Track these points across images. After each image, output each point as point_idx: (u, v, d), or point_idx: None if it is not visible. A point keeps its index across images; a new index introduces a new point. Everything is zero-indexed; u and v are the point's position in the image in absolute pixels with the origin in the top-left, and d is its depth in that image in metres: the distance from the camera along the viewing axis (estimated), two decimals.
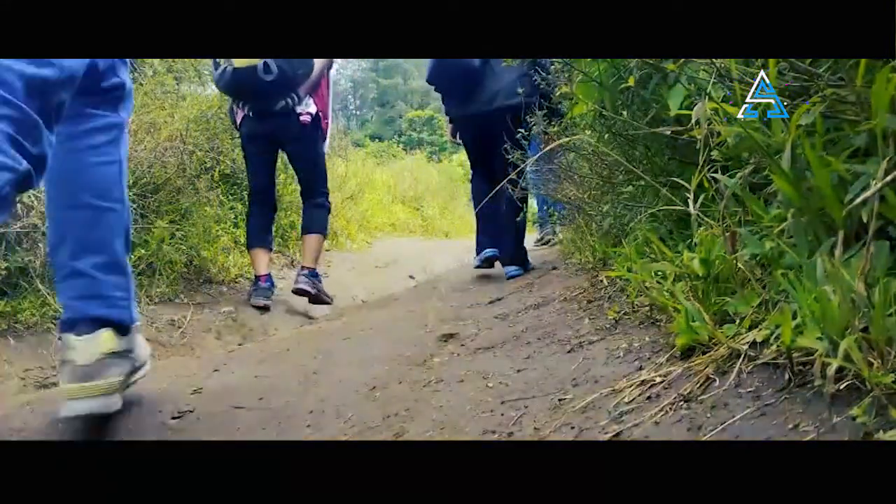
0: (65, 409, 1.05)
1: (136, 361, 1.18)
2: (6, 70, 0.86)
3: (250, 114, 2.65)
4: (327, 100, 2.88)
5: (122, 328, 1.12)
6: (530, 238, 4.21)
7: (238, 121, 2.75)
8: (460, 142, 2.95)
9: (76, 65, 0.98)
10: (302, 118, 2.63)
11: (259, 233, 2.81)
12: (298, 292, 2.80)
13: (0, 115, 0.85)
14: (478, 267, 2.77)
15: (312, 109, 2.70)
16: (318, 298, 2.86)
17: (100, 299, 1.09)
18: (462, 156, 3.37)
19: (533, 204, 4.54)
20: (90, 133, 1.12)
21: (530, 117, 2.03)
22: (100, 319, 1.08)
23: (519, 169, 1.96)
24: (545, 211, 3.67)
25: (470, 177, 3.00)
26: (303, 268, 2.85)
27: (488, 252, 2.74)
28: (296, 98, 2.58)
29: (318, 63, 2.67)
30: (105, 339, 1.07)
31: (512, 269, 2.64)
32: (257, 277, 2.78)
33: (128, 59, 1.23)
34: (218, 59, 2.55)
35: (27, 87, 0.88)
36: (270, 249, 2.89)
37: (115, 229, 1.13)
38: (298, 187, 3.10)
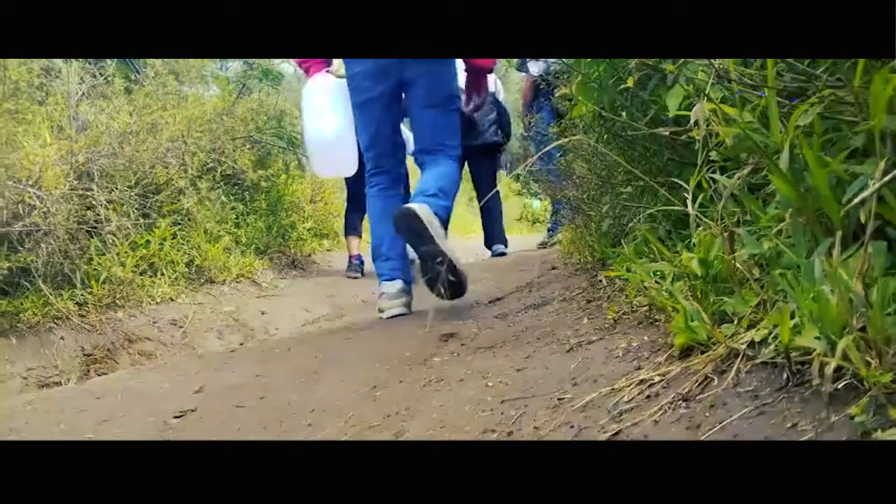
0: (383, 315, 1.94)
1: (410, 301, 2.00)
2: None
3: None
4: None
5: (406, 283, 1.97)
6: (532, 240, 4.24)
7: None
8: None
9: None
10: None
11: (353, 224, 3.85)
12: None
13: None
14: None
15: None
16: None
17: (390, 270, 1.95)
18: None
19: (534, 203, 4.55)
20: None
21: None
22: (395, 277, 1.94)
23: (515, 173, 2.24)
24: (557, 217, 3.70)
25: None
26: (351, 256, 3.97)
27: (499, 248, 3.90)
28: None
29: None
30: (397, 284, 1.94)
31: (500, 247, 3.89)
32: (351, 257, 3.87)
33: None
34: None
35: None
36: (361, 236, 3.91)
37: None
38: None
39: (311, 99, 1.98)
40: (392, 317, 1.91)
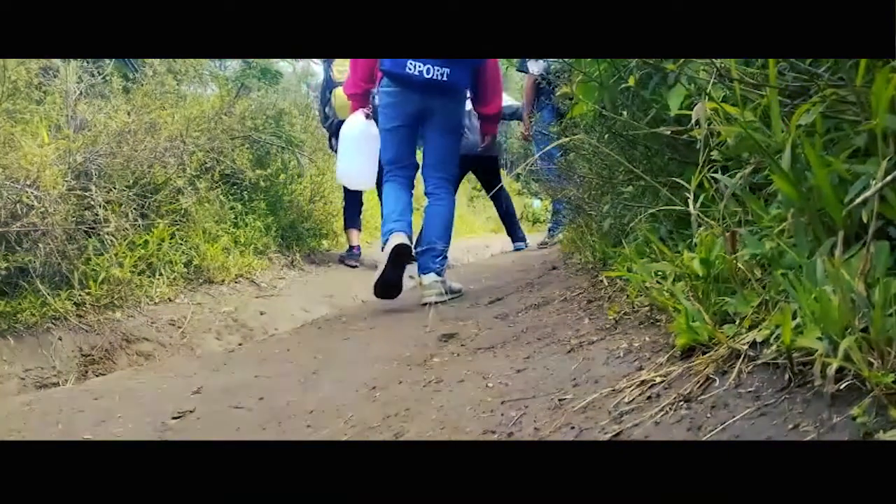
0: (424, 300, 2.23)
1: (451, 288, 2.33)
2: None
3: None
4: None
5: (438, 273, 2.27)
6: (533, 239, 4.28)
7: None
8: None
9: None
10: None
11: (352, 218, 4.11)
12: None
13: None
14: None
15: None
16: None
17: (431, 262, 2.28)
18: None
19: (534, 203, 4.57)
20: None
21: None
22: (430, 268, 2.27)
23: (515, 172, 2.37)
24: (558, 217, 3.71)
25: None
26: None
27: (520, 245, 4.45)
28: None
29: None
30: (432, 276, 2.25)
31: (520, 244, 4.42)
32: (351, 247, 4.10)
33: None
34: (326, 111, 3.84)
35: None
36: (359, 229, 4.21)
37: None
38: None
39: (349, 136, 2.61)
40: (397, 244, 2.17)
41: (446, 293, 2.26)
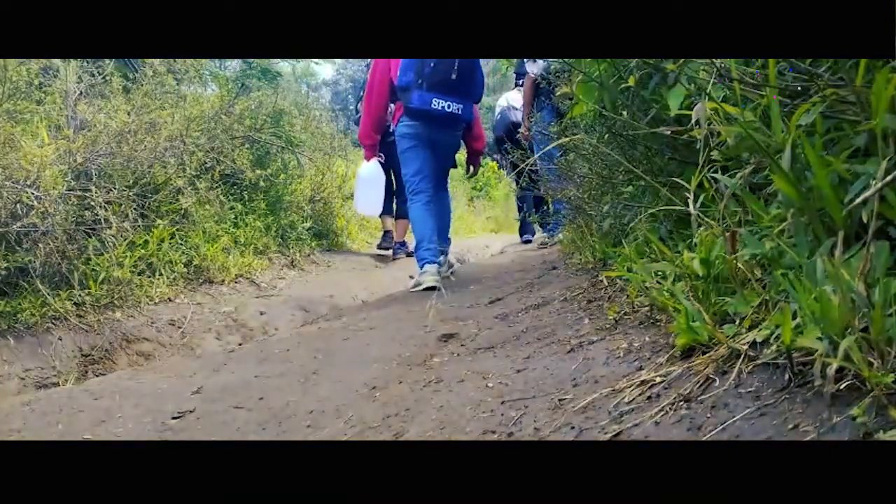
0: (422, 286, 2.64)
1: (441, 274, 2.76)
2: None
3: None
4: None
5: (437, 265, 2.71)
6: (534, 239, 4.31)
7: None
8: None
9: None
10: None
11: (385, 204, 4.32)
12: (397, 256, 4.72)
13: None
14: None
15: None
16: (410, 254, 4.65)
17: (430, 256, 2.73)
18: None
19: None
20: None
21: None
22: (429, 261, 2.71)
23: (515, 172, 2.42)
24: (558, 217, 3.71)
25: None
26: (395, 242, 4.63)
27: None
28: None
29: None
30: (432, 267, 2.68)
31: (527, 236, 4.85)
32: (385, 232, 4.58)
33: None
34: (359, 107, 4.15)
35: None
36: (393, 215, 4.57)
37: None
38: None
39: (364, 178, 3.30)
40: (427, 287, 2.60)
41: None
